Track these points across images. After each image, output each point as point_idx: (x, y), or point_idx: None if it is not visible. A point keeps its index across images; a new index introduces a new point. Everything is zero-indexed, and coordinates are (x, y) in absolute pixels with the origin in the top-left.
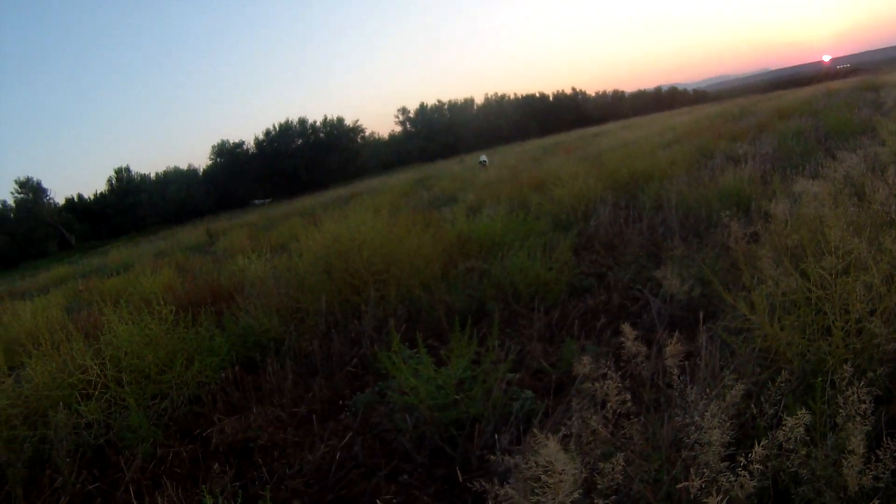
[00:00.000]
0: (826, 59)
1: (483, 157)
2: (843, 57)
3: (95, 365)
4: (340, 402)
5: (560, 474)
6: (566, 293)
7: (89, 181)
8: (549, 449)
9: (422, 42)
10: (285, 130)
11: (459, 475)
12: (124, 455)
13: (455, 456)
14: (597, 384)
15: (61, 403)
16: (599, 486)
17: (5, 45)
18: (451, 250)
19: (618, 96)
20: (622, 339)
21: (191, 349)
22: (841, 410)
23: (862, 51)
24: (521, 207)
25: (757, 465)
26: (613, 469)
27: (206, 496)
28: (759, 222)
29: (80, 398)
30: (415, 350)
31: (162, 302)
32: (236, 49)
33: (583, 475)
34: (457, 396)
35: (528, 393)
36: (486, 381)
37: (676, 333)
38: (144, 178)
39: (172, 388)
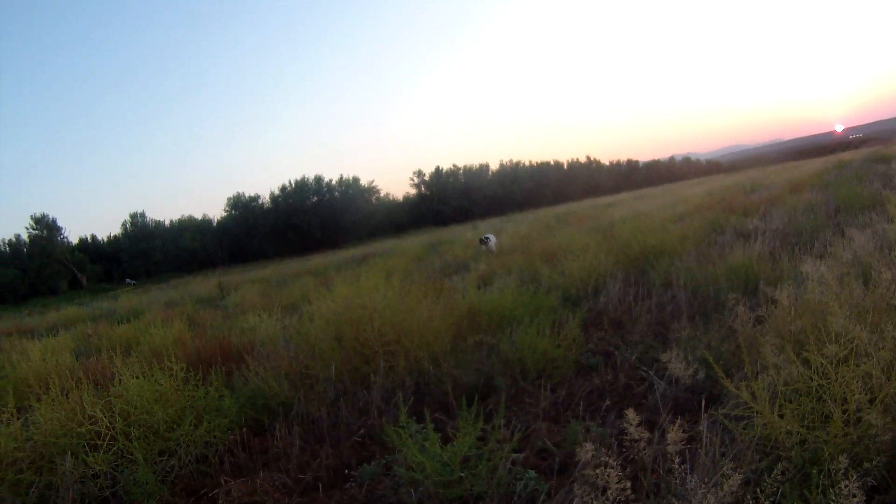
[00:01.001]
0: (839, 128)
1: (489, 237)
2: (856, 127)
3: (105, 417)
4: (346, 471)
5: None
6: (573, 371)
7: (104, 223)
8: None
9: (439, 106)
10: (301, 187)
11: None
12: None
13: None
14: (598, 471)
15: (69, 452)
16: None
17: (30, 82)
18: (460, 323)
19: (632, 165)
20: (625, 423)
21: (200, 408)
22: (832, 502)
23: (874, 120)
24: (532, 280)
25: None
26: None
27: None
28: (765, 305)
29: (87, 448)
30: (422, 425)
31: (172, 357)
32: (257, 103)
33: None
34: (461, 474)
35: (532, 473)
36: (490, 459)
37: (679, 420)
38: (159, 225)
39: (180, 445)
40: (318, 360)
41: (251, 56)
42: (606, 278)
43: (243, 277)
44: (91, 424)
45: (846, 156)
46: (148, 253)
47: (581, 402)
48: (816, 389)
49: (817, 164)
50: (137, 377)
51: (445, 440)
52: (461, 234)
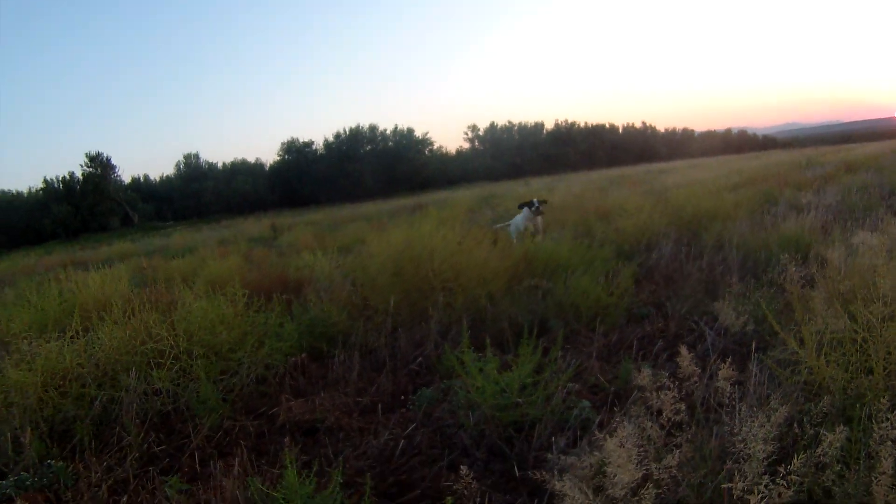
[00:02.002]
0: None
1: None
2: None
3: (169, 336)
4: (403, 396)
5: (617, 468)
6: (625, 318)
7: (158, 164)
8: (608, 445)
9: (497, 61)
10: (355, 135)
11: (516, 470)
12: (191, 423)
13: (511, 454)
14: (654, 394)
15: (133, 368)
16: (650, 487)
17: (90, 20)
18: (516, 267)
19: (687, 134)
20: (678, 361)
21: (261, 332)
22: (875, 435)
23: None
24: (586, 235)
25: (795, 477)
26: (665, 470)
27: (288, 462)
28: (815, 268)
29: (151, 365)
30: (480, 353)
31: (234, 285)
32: (316, 49)
33: (637, 473)
34: (518, 399)
35: (586, 403)
36: (546, 388)
37: (729, 359)
38: (212, 166)
39: (242, 366)
40: (377, 293)
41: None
42: (659, 237)
43: (295, 220)
44: (154, 343)
45: None
46: (199, 193)
47: (634, 344)
48: (861, 342)
49: (874, 147)
50: (200, 300)
51: (502, 370)
52: (514, 190)
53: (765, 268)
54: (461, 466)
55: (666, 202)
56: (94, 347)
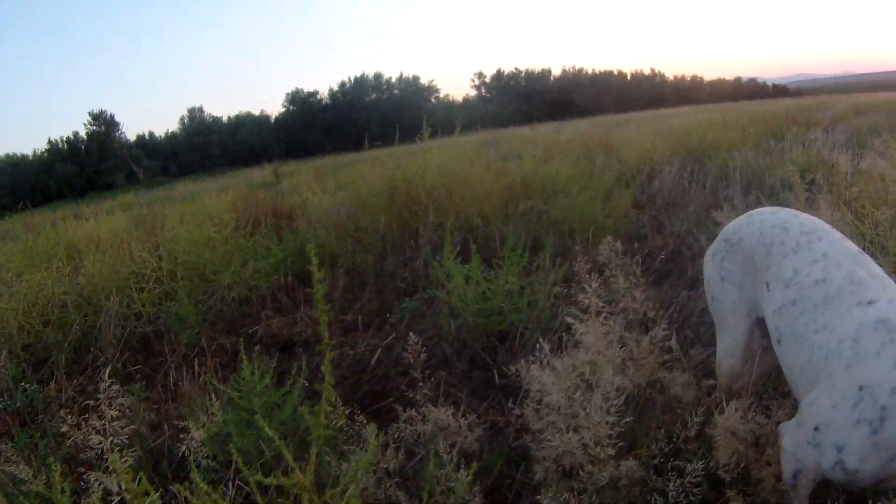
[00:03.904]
0: None
1: None
2: None
3: (152, 258)
4: (388, 313)
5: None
6: (623, 240)
7: (163, 120)
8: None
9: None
10: (360, 84)
11: (496, 376)
12: (169, 342)
13: (494, 364)
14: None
15: (114, 290)
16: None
17: None
18: (513, 188)
19: (696, 82)
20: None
21: (247, 254)
22: None
23: None
24: (588, 162)
25: None
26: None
27: (245, 360)
28: (821, 181)
29: (133, 289)
30: (467, 265)
31: (224, 215)
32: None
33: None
34: (502, 305)
35: (573, 308)
36: (533, 293)
37: None
38: (216, 120)
39: (224, 287)
40: (368, 215)
41: None
42: (662, 165)
43: (300, 166)
44: (137, 267)
45: None
46: (204, 147)
47: (629, 260)
48: (868, 243)
49: (889, 95)
50: (186, 223)
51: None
52: (520, 133)
53: (770, 191)
54: (440, 373)
55: (670, 134)
56: (78, 276)
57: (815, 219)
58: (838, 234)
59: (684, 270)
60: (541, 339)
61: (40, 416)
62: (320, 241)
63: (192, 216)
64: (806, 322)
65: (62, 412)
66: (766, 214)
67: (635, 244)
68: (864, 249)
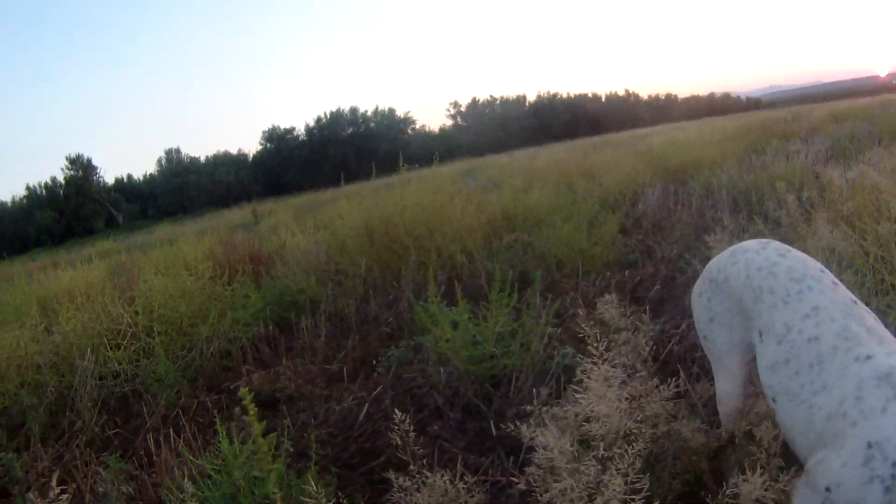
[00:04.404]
0: (882, 73)
1: None
2: None
3: (126, 313)
4: (374, 361)
5: (607, 401)
6: (613, 267)
7: (141, 162)
8: (594, 381)
9: (476, 34)
10: (336, 118)
11: (493, 427)
12: (148, 403)
13: (489, 411)
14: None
15: (89, 350)
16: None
17: (64, 26)
18: (494, 222)
19: (670, 100)
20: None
21: (225, 304)
22: None
23: None
24: (568, 189)
25: None
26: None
27: (220, 429)
28: (814, 194)
29: (109, 347)
30: (454, 308)
31: (200, 262)
32: (291, 35)
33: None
34: (494, 349)
35: (569, 350)
36: (524, 335)
37: None
38: (194, 161)
39: (203, 340)
40: (347, 257)
41: None
42: (645, 188)
43: (278, 205)
44: (112, 324)
45: (892, 97)
46: (183, 188)
47: (621, 290)
48: (873, 261)
49: (861, 102)
50: (161, 274)
51: (477, 322)
52: (497, 161)
53: (758, 209)
54: (433, 426)
55: (650, 155)
56: (51, 334)
57: (804, 258)
58: (829, 279)
59: (680, 298)
60: (536, 388)
61: (16, 487)
62: (300, 286)
63: (168, 266)
64: (802, 383)
65: (33, 492)
66: (752, 253)
67: (626, 272)
68: (869, 268)
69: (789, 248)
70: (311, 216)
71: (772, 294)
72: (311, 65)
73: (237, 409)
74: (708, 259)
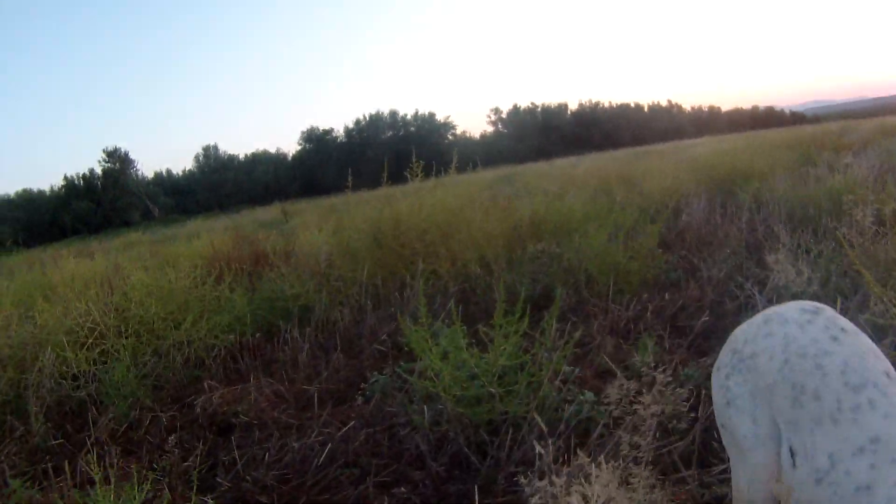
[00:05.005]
0: None
1: None
2: None
3: (95, 309)
4: (362, 385)
5: None
6: (651, 287)
7: (181, 158)
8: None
9: (519, 41)
10: (375, 121)
11: (477, 495)
12: (102, 413)
13: (481, 466)
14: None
15: (49, 348)
16: None
17: (109, 20)
18: (520, 229)
19: (713, 112)
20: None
21: (207, 306)
22: None
23: None
24: (606, 196)
25: None
26: None
27: (96, 474)
28: (886, 214)
29: (77, 345)
30: (452, 328)
31: (194, 259)
32: (333, 36)
33: None
34: (492, 390)
35: (589, 395)
36: (535, 371)
37: None
38: (232, 158)
39: (172, 346)
40: (350, 261)
41: None
42: (689, 198)
43: (310, 205)
44: (81, 319)
45: None
46: (220, 185)
47: (659, 317)
48: None
49: None
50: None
51: (485, 351)
52: (536, 168)
53: (815, 225)
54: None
55: (695, 165)
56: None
57: (865, 347)
58: None
59: (729, 330)
60: (542, 442)
61: None
62: (294, 291)
63: (167, 261)
64: None
65: None
66: (793, 327)
67: (665, 294)
68: None
69: (845, 322)
70: (335, 217)
71: (817, 401)
72: (352, 66)
73: (175, 436)
74: (763, 281)
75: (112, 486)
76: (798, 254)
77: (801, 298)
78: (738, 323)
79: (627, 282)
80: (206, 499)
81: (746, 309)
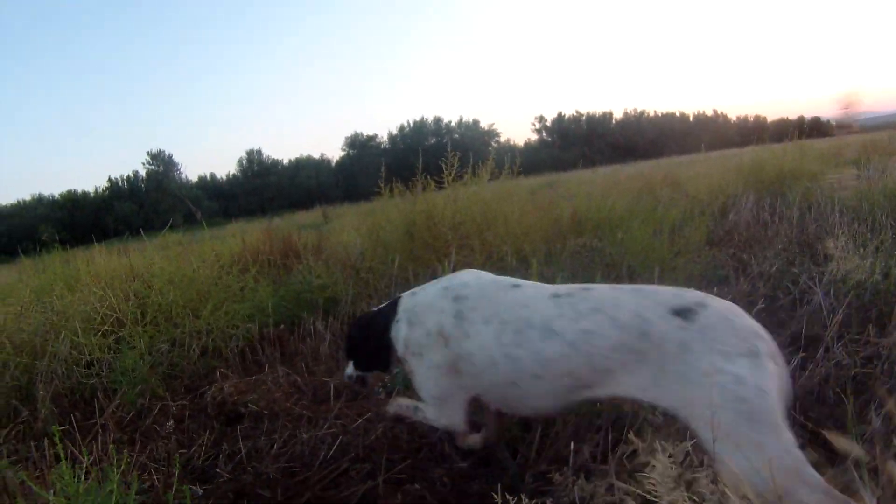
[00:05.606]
0: None
1: None
2: None
3: (112, 297)
4: (383, 378)
5: None
6: (697, 282)
7: (225, 162)
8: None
9: (563, 49)
10: (419, 127)
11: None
12: (110, 400)
13: (510, 464)
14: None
15: (63, 333)
16: None
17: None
18: (561, 224)
19: (759, 122)
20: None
21: (230, 295)
22: None
23: None
24: (650, 196)
25: None
26: None
27: (61, 451)
28: None
29: (83, 332)
30: None
31: (225, 252)
32: (379, 42)
33: None
34: None
35: None
36: None
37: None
38: (276, 163)
39: (189, 335)
40: (382, 251)
41: None
42: (736, 198)
43: (351, 209)
44: (99, 305)
45: None
46: (263, 190)
47: None
48: None
49: None
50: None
51: None
52: (579, 176)
53: (872, 223)
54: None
55: (741, 167)
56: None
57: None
58: None
59: (784, 325)
60: (577, 441)
61: None
62: (322, 282)
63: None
64: None
65: None
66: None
67: (714, 290)
68: None
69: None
70: (373, 217)
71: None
72: (396, 73)
73: (183, 424)
74: (820, 276)
75: (94, 470)
76: (855, 247)
77: (862, 288)
78: (794, 316)
79: (673, 277)
80: (194, 487)
81: (802, 303)
